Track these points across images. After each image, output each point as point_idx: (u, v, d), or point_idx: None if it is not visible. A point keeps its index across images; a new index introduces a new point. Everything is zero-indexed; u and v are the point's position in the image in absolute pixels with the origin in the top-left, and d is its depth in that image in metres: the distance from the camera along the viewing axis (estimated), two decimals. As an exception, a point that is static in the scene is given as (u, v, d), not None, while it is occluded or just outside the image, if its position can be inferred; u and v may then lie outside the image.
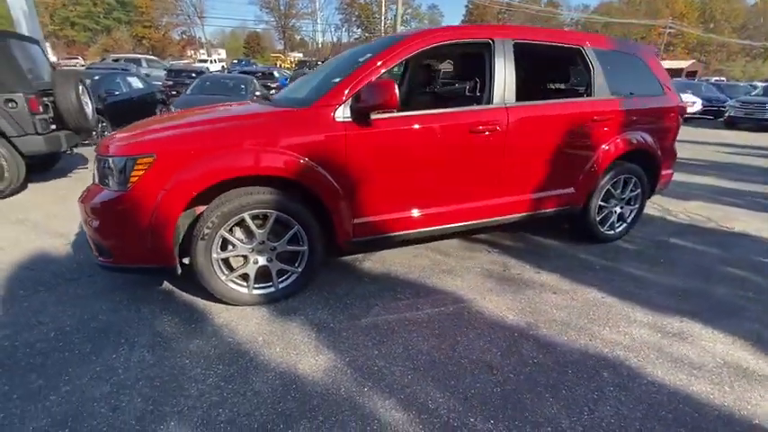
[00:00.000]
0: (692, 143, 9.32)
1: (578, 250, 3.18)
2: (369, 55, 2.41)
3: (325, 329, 2.11)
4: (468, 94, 3.08)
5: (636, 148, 3.09)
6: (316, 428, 1.51)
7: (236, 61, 32.88)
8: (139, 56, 21.94)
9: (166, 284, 2.50)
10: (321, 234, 2.30)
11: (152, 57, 24.22)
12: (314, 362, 1.87)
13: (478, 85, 2.92)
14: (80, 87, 4.57)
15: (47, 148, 4.28)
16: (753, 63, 55.59)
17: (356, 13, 60.98)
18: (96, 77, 7.51)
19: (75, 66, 19.95)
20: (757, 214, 4.24)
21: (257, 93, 8.23)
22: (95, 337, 2.00)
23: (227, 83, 8.67)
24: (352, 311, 2.28)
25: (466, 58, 3.39)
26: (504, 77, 2.58)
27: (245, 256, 2.23)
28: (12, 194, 4.23)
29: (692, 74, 40.76)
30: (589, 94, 2.95)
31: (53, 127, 4.43)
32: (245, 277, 2.26)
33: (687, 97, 13.66)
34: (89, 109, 4.82)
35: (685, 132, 10.99)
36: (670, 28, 45.97)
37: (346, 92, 2.21)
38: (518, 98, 2.64)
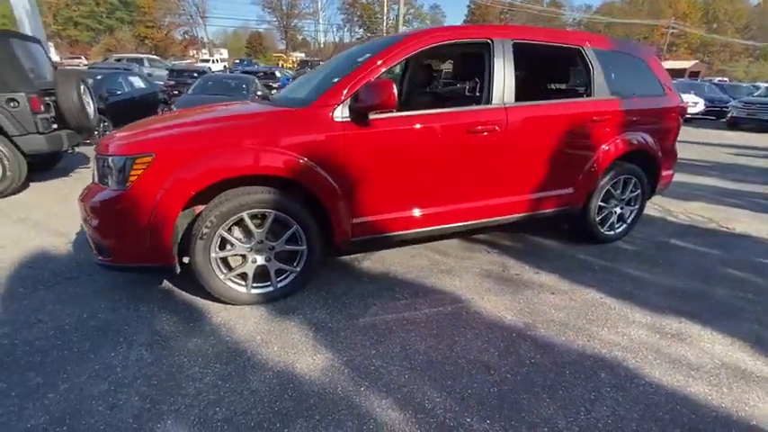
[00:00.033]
0: (695, 144, 9.29)
1: (578, 251, 3.17)
2: (367, 55, 2.41)
3: (323, 329, 2.11)
4: (467, 94, 3.08)
5: (636, 148, 3.08)
6: (312, 427, 1.51)
7: (238, 61, 32.94)
8: (142, 56, 22.00)
9: (166, 283, 2.50)
10: (319, 234, 2.31)
11: (154, 56, 24.29)
12: (311, 361, 1.87)
13: (478, 86, 2.91)
14: (81, 87, 4.58)
15: (48, 148, 4.30)
16: (756, 64, 55.33)
17: (358, 14, 61.00)
18: (98, 77, 7.54)
19: (78, 65, 20.01)
20: (759, 215, 4.23)
21: (259, 92, 8.24)
22: (94, 336, 2.01)
23: (228, 83, 8.69)
24: (351, 311, 2.28)
25: (465, 59, 3.39)
26: (503, 77, 2.58)
27: (243, 256, 2.24)
28: (13, 193, 4.25)
29: (694, 74, 40.63)
30: (589, 95, 2.95)
31: (54, 126, 4.45)
32: (243, 276, 2.26)
33: (690, 98, 13.62)
34: (90, 108, 4.84)
35: (688, 133, 10.98)
36: (673, 28, 45.83)
37: (345, 92, 2.21)
38: (517, 98, 2.64)
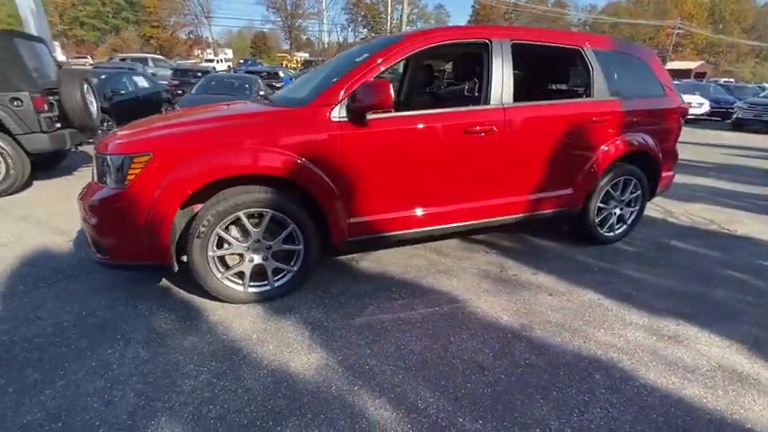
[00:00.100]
0: (699, 145, 9.24)
1: (577, 252, 3.16)
2: (366, 55, 2.41)
3: (318, 328, 2.12)
4: (466, 94, 3.08)
5: (636, 149, 3.07)
6: (304, 426, 1.52)
7: (242, 61, 33.08)
8: (146, 55, 22.12)
9: (164, 282, 2.52)
10: (316, 233, 2.32)
11: (159, 56, 24.41)
12: (306, 360, 1.88)
13: (476, 86, 2.91)
14: (85, 86, 4.62)
15: (51, 147, 4.34)
16: (762, 64, 54.89)
17: (362, 13, 61.02)
18: (103, 77, 7.60)
19: (83, 65, 20.17)
20: (761, 217, 4.19)
21: (261, 92, 8.27)
22: (92, 333, 2.03)
23: (231, 82, 8.73)
24: (347, 310, 2.29)
25: (465, 59, 3.39)
26: (501, 78, 2.58)
27: (240, 255, 2.25)
28: (17, 191, 4.30)
29: (700, 75, 40.35)
30: (588, 95, 2.94)
31: (58, 125, 4.48)
32: (240, 275, 2.28)
33: (695, 99, 13.54)
34: (94, 108, 4.88)
35: (692, 134, 10.92)
36: (679, 29, 45.53)
37: (342, 92, 2.22)
38: (516, 99, 2.63)
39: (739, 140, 10.32)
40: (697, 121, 13.74)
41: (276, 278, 2.34)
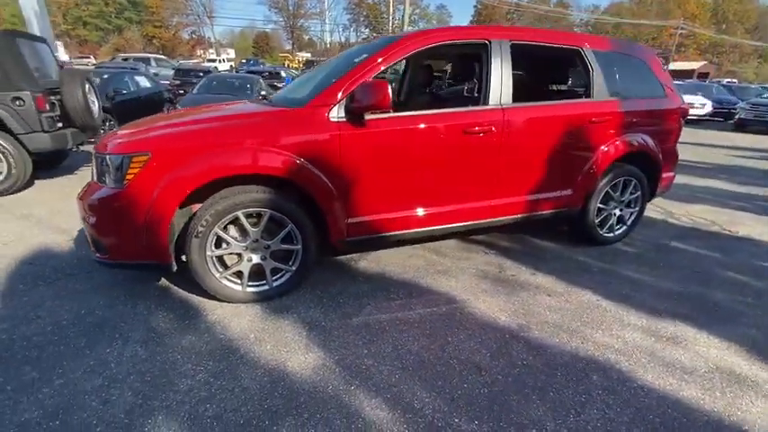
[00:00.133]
0: (701, 145, 9.21)
1: (576, 252, 3.16)
2: (364, 55, 2.42)
3: (316, 328, 2.12)
4: (465, 94, 3.08)
5: (636, 150, 3.06)
6: (301, 425, 1.52)
7: (244, 61, 33.13)
8: (148, 55, 22.21)
9: (163, 281, 2.53)
10: (315, 233, 2.32)
11: (161, 56, 24.50)
12: (303, 360, 1.88)
13: (476, 86, 2.91)
14: (86, 86, 4.64)
15: (53, 146, 4.36)
16: (765, 65, 54.64)
17: (364, 14, 61.08)
18: (105, 76, 7.63)
19: (86, 65, 20.25)
20: (762, 218, 4.18)
21: (262, 92, 8.29)
22: (91, 332, 2.04)
23: (233, 82, 8.75)
24: (345, 310, 2.29)
25: (464, 59, 3.39)
26: (500, 78, 2.57)
27: (239, 254, 2.25)
28: (18, 191, 4.32)
29: (703, 75, 40.24)
30: (588, 96, 2.93)
31: (60, 125, 4.50)
32: (239, 275, 2.28)
33: (697, 99, 13.49)
34: (95, 107, 4.90)
35: (694, 134, 10.88)
36: (682, 29, 45.35)
37: (341, 92, 2.22)
38: (515, 99, 2.63)
39: (742, 141, 10.28)
40: (699, 122, 13.69)
41: (274, 278, 2.34)
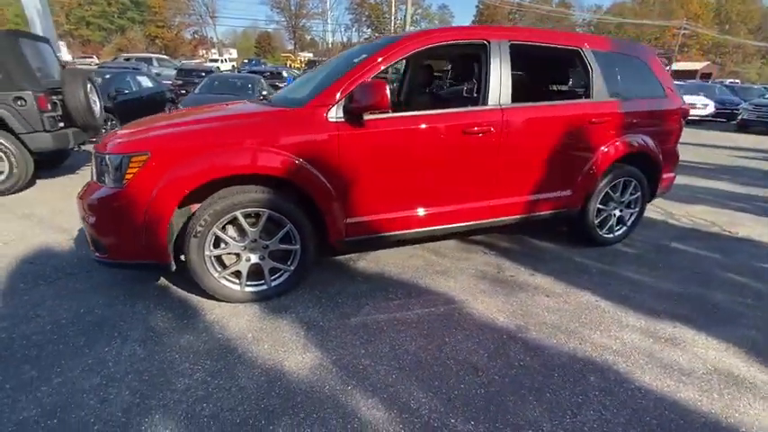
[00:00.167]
0: (703, 146, 9.18)
1: (575, 253, 3.15)
2: (363, 56, 2.42)
3: (314, 328, 2.12)
4: (465, 95, 3.08)
5: (636, 150, 3.06)
6: (297, 425, 1.53)
7: (246, 61, 33.20)
8: (151, 55, 22.28)
9: (163, 280, 2.54)
10: (313, 233, 2.32)
11: (163, 56, 24.59)
12: (300, 359, 1.88)
13: (475, 87, 2.91)
14: (88, 86, 4.66)
15: (54, 146, 4.38)
16: (769, 65, 54.42)
17: (366, 13, 61.12)
18: (107, 76, 7.66)
19: (89, 64, 20.33)
20: (763, 219, 4.16)
21: (264, 92, 8.31)
22: (90, 331, 2.05)
23: (234, 82, 8.78)
24: (343, 310, 2.29)
25: (464, 60, 3.39)
26: (499, 78, 2.57)
27: (237, 254, 2.26)
28: (20, 190, 4.34)
29: (706, 75, 40.13)
30: (588, 96, 2.93)
31: (61, 125, 4.53)
32: (237, 275, 2.29)
33: (699, 99, 13.45)
34: (97, 107, 4.92)
35: (696, 135, 10.86)
36: (684, 29, 45.18)
37: (339, 92, 2.22)
38: (514, 99, 2.63)
39: (744, 142, 10.24)
40: (702, 123, 13.65)
41: (273, 278, 2.35)
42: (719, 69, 49.49)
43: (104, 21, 47.86)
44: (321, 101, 2.24)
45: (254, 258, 2.28)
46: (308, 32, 62.06)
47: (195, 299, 2.34)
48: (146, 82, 8.79)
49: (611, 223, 3.25)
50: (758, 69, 53.72)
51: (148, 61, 18.77)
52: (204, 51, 49.62)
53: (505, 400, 1.68)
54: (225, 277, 2.26)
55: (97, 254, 2.19)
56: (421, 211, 2.54)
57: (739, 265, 3.05)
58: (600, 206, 3.12)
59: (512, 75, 2.63)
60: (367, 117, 2.25)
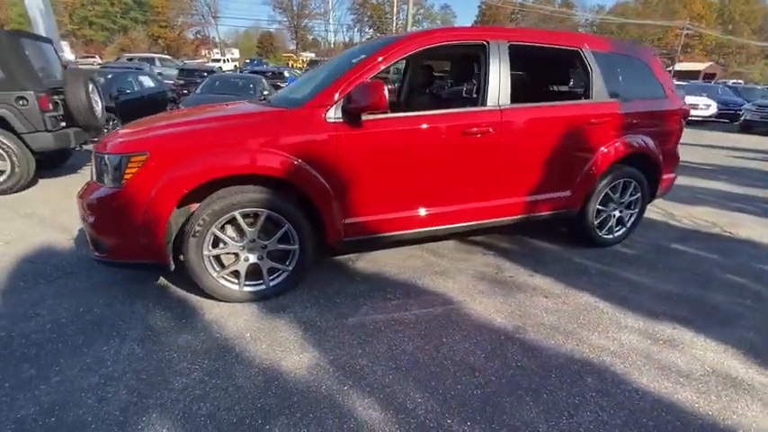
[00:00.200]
0: (705, 147, 9.15)
1: (575, 254, 3.15)
2: (362, 56, 2.42)
3: (312, 327, 2.13)
4: (464, 95, 3.08)
5: (635, 151, 3.05)
6: (293, 425, 1.53)
7: (248, 61, 33.26)
8: (153, 55, 22.35)
9: (162, 280, 2.55)
10: (312, 233, 2.33)
11: (165, 56, 24.66)
12: (298, 359, 1.89)
13: (474, 87, 2.91)
14: (90, 86, 4.68)
15: (56, 145, 4.40)
16: (773, 65, 54.14)
17: (368, 14, 61.14)
18: (109, 76, 7.69)
19: (92, 64, 20.40)
20: (764, 220, 4.15)
21: (265, 92, 8.32)
22: (89, 330, 2.06)
23: (236, 82, 8.79)
24: (341, 310, 2.29)
25: (463, 60, 3.39)
26: (498, 79, 2.57)
27: (236, 254, 2.27)
28: (22, 189, 4.36)
29: (710, 76, 39.98)
30: (587, 97, 2.92)
31: (63, 124, 4.55)
32: (236, 274, 2.29)
33: (702, 100, 13.41)
34: (98, 107, 4.94)
35: (699, 136, 10.82)
36: (687, 29, 45.00)
37: (337, 93, 2.23)
38: (513, 100, 2.63)
39: (746, 143, 10.21)
40: (704, 123, 13.62)
41: (271, 277, 2.35)
42: (723, 70, 49.27)
43: (107, 21, 48.03)
44: (319, 101, 2.24)
45: (253, 258, 2.28)
46: (310, 32, 62.13)
47: (194, 298, 2.35)
48: (147, 82, 8.81)
49: (610, 224, 3.24)
50: (761, 70, 53.44)
51: (151, 61, 18.84)
52: (207, 51, 49.71)
53: (502, 401, 1.68)
54: (223, 277, 2.27)
55: (97, 253, 2.20)
56: (419, 212, 2.54)
57: (739, 267, 3.04)
58: (599, 207, 3.12)
59: (511, 75, 2.63)
60: (365, 117, 2.25)
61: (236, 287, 2.29)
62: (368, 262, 2.89)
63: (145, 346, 1.95)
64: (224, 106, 2.84)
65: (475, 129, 2.49)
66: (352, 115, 2.22)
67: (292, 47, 57.14)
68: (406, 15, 25.79)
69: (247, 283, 2.31)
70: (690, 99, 12.99)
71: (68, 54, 24.04)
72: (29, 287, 2.45)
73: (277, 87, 11.95)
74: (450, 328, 2.16)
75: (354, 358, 1.90)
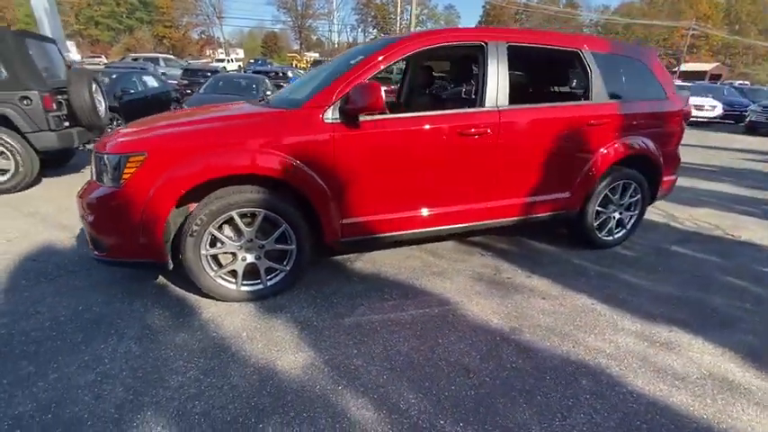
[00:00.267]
0: (709, 148, 9.08)
1: (574, 256, 3.14)
2: (360, 57, 2.43)
3: (308, 327, 2.14)
4: (463, 96, 3.08)
5: (635, 152, 3.04)
6: (286, 423, 1.54)
7: (252, 61, 33.39)
8: (158, 55, 22.49)
9: (161, 279, 2.57)
10: (309, 233, 2.34)
11: (170, 56, 24.81)
12: (293, 359, 1.90)
13: (473, 88, 2.91)
14: (93, 86, 4.72)
15: (59, 144, 4.44)
16: (781, 67, 53.58)
17: (372, 14, 61.16)
18: (113, 76, 7.74)
19: (98, 64, 20.55)
20: (766, 223, 4.11)
21: (268, 92, 8.35)
22: (87, 328, 2.08)
23: (239, 82, 8.83)
24: (338, 310, 2.30)
25: (463, 61, 3.39)
26: (496, 80, 2.57)
27: (233, 254, 2.28)
28: (26, 188, 4.40)
29: (716, 77, 39.67)
30: (587, 98, 2.91)
31: (66, 124, 4.59)
32: (233, 274, 2.31)
33: (707, 101, 13.31)
34: (102, 107, 4.98)
35: (704, 137, 10.75)
36: (694, 30, 44.69)
37: (335, 94, 2.24)
38: (512, 101, 2.62)
39: (752, 144, 10.12)
40: (710, 124, 13.51)
41: (269, 277, 2.37)
42: (729, 71, 48.86)
43: (113, 21, 48.39)
44: (317, 102, 2.25)
45: (250, 258, 2.30)
46: (314, 33, 62.30)
47: (192, 297, 2.36)
48: (151, 82, 8.86)
49: (610, 226, 3.23)
50: (768, 71, 52.93)
51: (155, 61, 18.96)
52: (211, 51, 49.96)
53: (495, 402, 1.68)
54: (221, 276, 2.28)
55: (96, 252, 2.22)
56: (418, 213, 2.54)
57: (740, 269, 3.02)
58: (599, 208, 3.11)
59: (510, 76, 2.63)
60: (362, 118, 2.26)
61: (233, 286, 2.30)
62: (366, 262, 2.90)
63: (142, 344, 1.97)
64: (223, 107, 2.86)
65: (473, 130, 2.49)
66: (349, 116, 2.23)
67: (296, 47, 57.30)
68: (410, 16, 25.81)
69: (245, 282, 2.32)
70: (695, 100, 12.90)
71: (75, 54, 24.26)
72: (30, 285, 2.48)
73: (280, 87, 12.02)
74: (446, 328, 2.17)
75: (349, 358, 1.91)
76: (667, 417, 1.64)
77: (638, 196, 3.23)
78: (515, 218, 2.84)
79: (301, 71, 21.70)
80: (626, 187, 3.16)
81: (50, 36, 6.33)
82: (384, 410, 1.61)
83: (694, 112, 12.78)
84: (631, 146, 3.01)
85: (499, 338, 2.10)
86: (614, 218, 3.23)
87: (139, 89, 8.16)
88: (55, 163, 5.17)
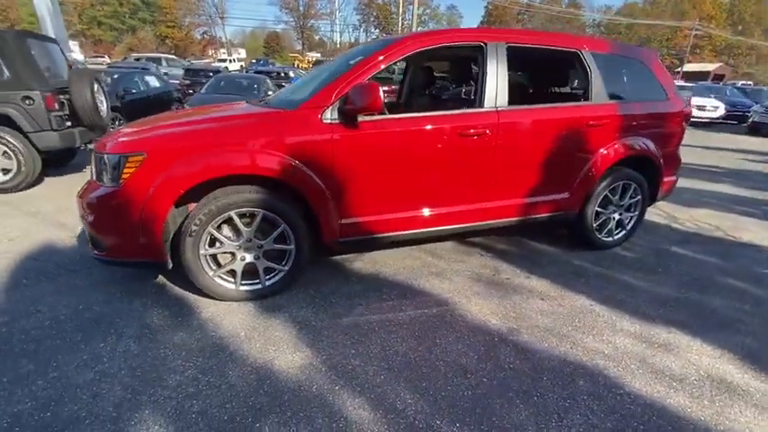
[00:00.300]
0: (711, 149, 9.05)
1: (573, 257, 3.14)
2: (359, 57, 2.43)
3: (306, 327, 2.14)
4: (463, 97, 3.08)
5: (635, 153, 3.03)
6: (283, 423, 1.55)
7: (254, 61, 33.46)
8: (160, 55, 22.57)
9: (161, 278, 2.58)
10: (308, 233, 2.34)
11: (172, 56, 24.89)
12: (291, 358, 1.90)
13: (472, 89, 2.91)
14: (95, 86, 4.73)
15: (61, 144, 4.46)
16: (784, 67, 53.31)
17: (374, 14, 61.20)
18: (115, 76, 7.76)
19: (101, 64, 20.64)
20: (767, 224, 4.09)
21: (270, 92, 8.37)
22: (87, 327, 2.09)
23: (240, 82, 8.85)
24: (336, 310, 2.31)
25: (463, 62, 3.39)
26: (495, 81, 2.57)
27: (232, 253, 2.29)
28: (27, 188, 4.42)
29: (719, 77, 39.51)
30: (586, 99, 2.91)
31: (68, 124, 4.60)
32: (232, 273, 2.31)
33: (709, 102, 13.26)
34: (103, 107, 5.00)
35: (706, 138, 10.71)
36: (697, 30, 44.52)
37: (334, 94, 2.24)
38: (512, 102, 2.62)
39: (754, 145, 10.08)
40: (712, 125, 13.47)
41: (267, 277, 2.37)
42: (733, 71, 48.62)
43: (116, 21, 48.60)
44: (316, 102, 2.26)
45: (249, 258, 2.30)
46: (317, 33, 62.39)
47: (191, 297, 2.37)
48: (153, 82, 8.89)
49: (609, 227, 3.23)
50: (772, 71, 52.66)
51: (158, 61, 19.02)
52: (213, 51, 50.11)
53: (492, 403, 1.68)
54: (220, 276, 2.29)
55: (96, 251, 2.23)
56: (416, 213, 2.54)
57: (740, 271, 3.01)
58: (598, 209, 3.10)
59: (509, 77, 2.63)
60: (361, 119, 2.26)
61: (232, 286, 2.31)
62: (365, 262, 2.90)
63: (141, 343, 1.98)
64: (223, 107, 2.88)
65: (472, 130, 2.49)
66: (348, 116, 2.23)
67: (298, 47, 57.38)
68: (412, 16, 25.81)
69: (243, 282, 2.33)
70: (697, 100, 12.86)
71: (78, 54, 24.34)
72: (31, 284, 2.49)
73: (281, 87, 12.05)
74: (444, 329, 2.17)
75: (347, 358, 1.92)
76: (665, 418, 1.64)
77: (638, 197, 3.22)
78: (514, 219, 2.84)
79: (303, 71, 21.73)
80: (626, 188, 3.15)
81: (53, 36, 6.37)
82: (381, 410, 1.62)
83: (697, 113, 12.75)
84: (631, 146, 3.01)
85: (497, 339, 2.10)
86: (614, 219, 3.22)
87: (141, 89, 8.19)
88: (57, 162, 5.18)
